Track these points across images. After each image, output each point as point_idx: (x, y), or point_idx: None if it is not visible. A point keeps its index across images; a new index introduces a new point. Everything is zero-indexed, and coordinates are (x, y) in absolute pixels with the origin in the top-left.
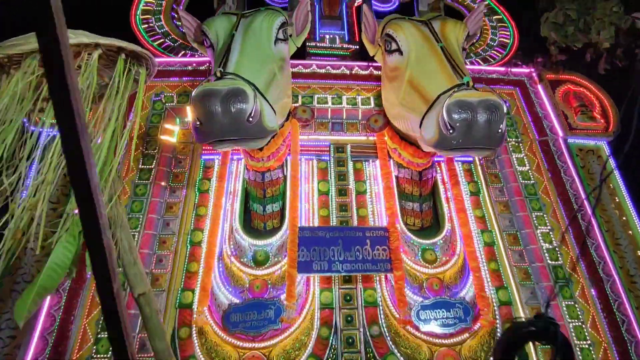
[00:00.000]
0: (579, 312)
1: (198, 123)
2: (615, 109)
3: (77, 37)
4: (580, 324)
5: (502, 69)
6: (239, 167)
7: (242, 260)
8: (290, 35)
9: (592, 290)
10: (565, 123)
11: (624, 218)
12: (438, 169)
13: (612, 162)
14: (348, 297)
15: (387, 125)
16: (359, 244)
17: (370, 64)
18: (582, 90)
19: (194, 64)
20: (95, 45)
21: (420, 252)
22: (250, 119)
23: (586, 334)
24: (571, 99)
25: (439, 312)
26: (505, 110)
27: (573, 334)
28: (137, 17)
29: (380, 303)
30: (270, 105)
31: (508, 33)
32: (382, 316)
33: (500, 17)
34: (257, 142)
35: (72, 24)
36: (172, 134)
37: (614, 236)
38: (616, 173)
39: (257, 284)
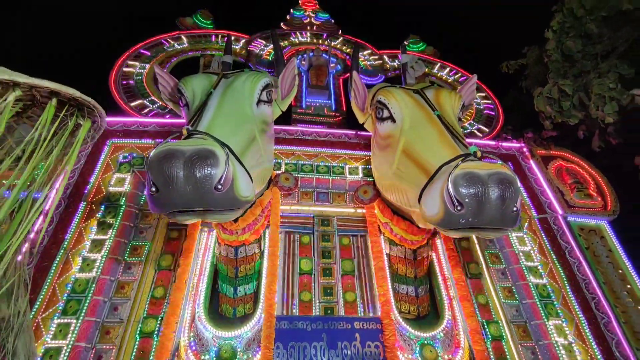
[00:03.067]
0: None
1: (153, 189)
2: (611, 187)
3: None
4: None
5: (493, 142)
6: (209, 240)
7: (202, 357)
8: (275, 100)
9: None
10: (562, 200)
11: None
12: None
13: (617, 246)
14: None
15: (378, 197)
16: (346, 339)
17: (358, 132)
18: (574, 167)
19: (169, 125)
20: (13, 85)
21: (418, 349)
22: (219, 187)
23: None
24: (564, 175)
25: None
26: (519, 186)
27: None
28: (117, 76)
29: None
30: (246, 170)
31: (492, 108)
32: None
33: (484, 94)
34: (227, 214)
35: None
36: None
37: (632, 329)
38: (623, 255)
39: None
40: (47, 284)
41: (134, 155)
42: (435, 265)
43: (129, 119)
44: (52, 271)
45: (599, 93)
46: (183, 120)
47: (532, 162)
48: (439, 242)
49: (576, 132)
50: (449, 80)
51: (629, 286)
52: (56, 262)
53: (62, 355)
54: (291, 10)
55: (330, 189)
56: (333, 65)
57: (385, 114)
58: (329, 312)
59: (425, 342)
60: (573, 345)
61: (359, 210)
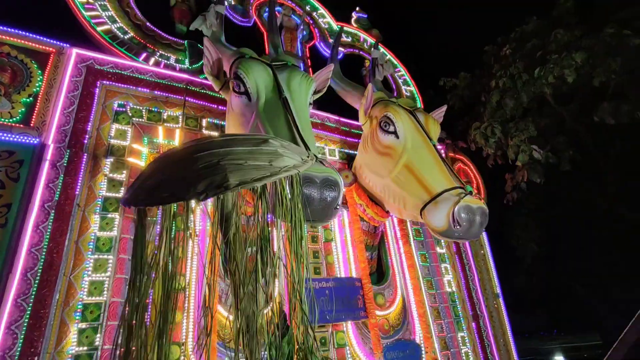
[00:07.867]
0: (467, 341)
1: None
2: (485, 188)
3: None
4: (467, 349)
5: None
6: None
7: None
8: None
9: (473, 324)
10: None
11: (488, 277)
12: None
13: None
14: (322, 340)
15: (356, 182)
16: (341, 294)
17: (339, 118)
18: (467, 169)
19: (168, 78)
20: None
21: (374, 297)
22: (337, 207)
23: (470, 356)
24: (461, 174)
25: (399, 352)
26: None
27: (464, 357)
28: None
29: (347, 344)
30: None
31: None
32: (349, 357)
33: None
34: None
35: None
36: (140, 156)
37: (484, 284)
38: (484, 236)
39: None
40: (68, 241)
41: (131, 104)
42: (384, 238)
43: (120, 61)
44: (71, 229)
45: (516, 144)
46: (183, 75)
47: None
48: (394, 221)
49: (475, 147)
50: (394, 75)
51: (483, 253)
52: (72, 220)
53: (102, 310)
54: None
55: None
56: (301, 29)
57: (391, 128)
58: (316, 270)
59: (378, 292)
60: (455, 293)
61: None
